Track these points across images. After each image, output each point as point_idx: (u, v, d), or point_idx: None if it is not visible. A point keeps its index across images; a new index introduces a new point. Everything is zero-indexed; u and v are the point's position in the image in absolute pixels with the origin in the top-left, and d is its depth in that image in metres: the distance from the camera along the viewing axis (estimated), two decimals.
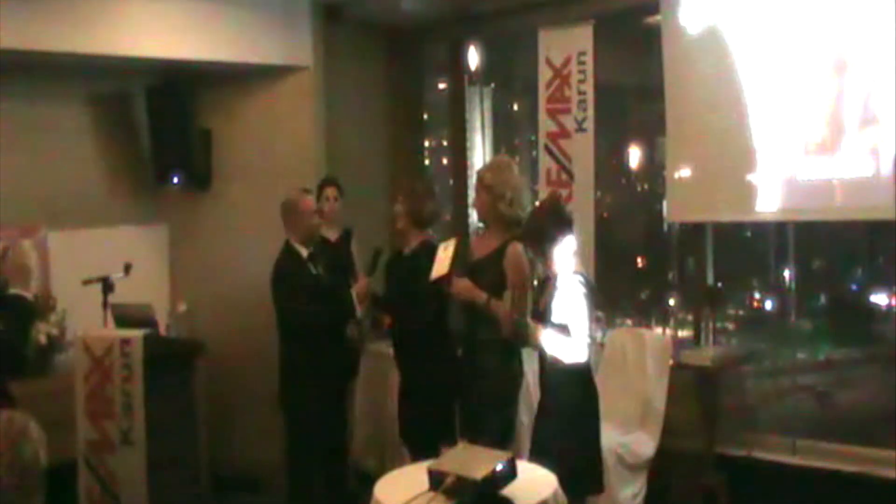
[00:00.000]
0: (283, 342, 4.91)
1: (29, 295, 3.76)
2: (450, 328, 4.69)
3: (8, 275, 3.81)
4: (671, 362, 5.10)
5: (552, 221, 3.97)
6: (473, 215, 6.42)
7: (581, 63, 5.46)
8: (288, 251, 4.88)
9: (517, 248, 4.24)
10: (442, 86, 6.76)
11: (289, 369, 4.92)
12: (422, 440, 4.59)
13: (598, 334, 5.73)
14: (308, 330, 4.80)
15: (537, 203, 4.63)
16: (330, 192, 5.46)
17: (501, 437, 4.13)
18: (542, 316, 3.94)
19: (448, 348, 4.68)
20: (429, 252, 4.51)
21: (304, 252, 4.90)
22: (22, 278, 3.80)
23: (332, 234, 5.42)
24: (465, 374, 4.42)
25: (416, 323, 4.63)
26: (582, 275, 3.92)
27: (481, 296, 4.21)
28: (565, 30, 5.54)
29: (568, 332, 3.79)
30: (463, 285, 4.29)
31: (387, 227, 6.09)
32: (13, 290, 3.74)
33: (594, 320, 4.05)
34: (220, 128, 6.09)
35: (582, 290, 3.84)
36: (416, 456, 4.61)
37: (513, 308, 4.03)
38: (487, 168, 4.59)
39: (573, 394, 3.93)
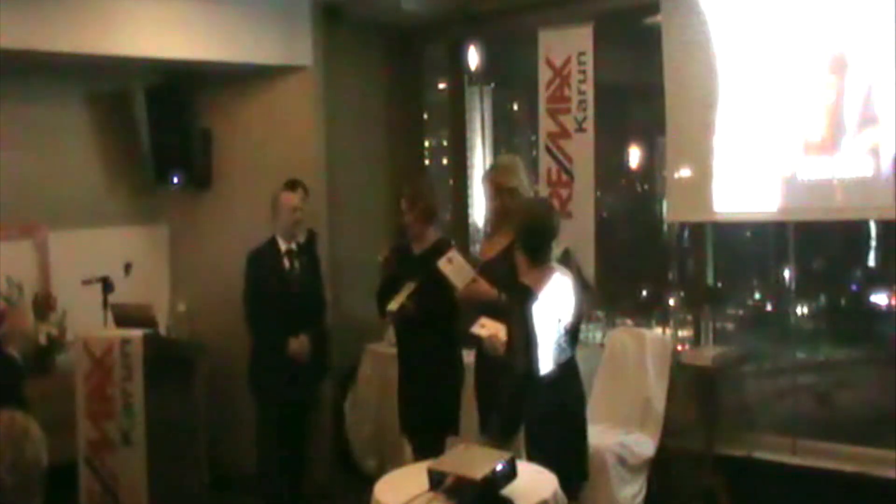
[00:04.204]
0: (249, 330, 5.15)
1: (20, 359, 3.85)
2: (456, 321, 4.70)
3: (5, 336, 3.90)
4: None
5: (524, 222, 3.97)
6: (473, 215, 6.43)
7: (581, 63, 5.45)
8: (269, 241, 5.15)
9: None
10: (442, 86, 6.75)
11: (254, 357, 5.14)
12: (425, 432, 4.60)
13: (594, 334, 5.75)
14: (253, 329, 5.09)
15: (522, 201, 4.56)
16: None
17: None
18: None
19: (452, 339, 4.71)
20: (444, 252, 4.55)
21: (284, 246, 5.13)
22: (18, 340, 3.91)
23: (300, 236, 5.47)
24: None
25: (441, 321, 4.62)
26: (531, 290, 3.85)
27: (493, 293, 4.20)
28: (565, 30, 5.54)
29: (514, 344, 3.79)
30: (476, 287, 4.28)
31: (387, 226, 6.11)
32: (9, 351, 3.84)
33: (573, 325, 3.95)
34: (220, 128, 6.10)
35: (526, 306, 3.82)
36: (419, 448, 4.63)
37: None
38: (501, 171, 4.55)
39: (553, 393, 3.90)
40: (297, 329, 5.05)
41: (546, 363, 3.77)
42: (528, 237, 3.91)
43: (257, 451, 5.14)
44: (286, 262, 5.13)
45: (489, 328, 4.19)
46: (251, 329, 5.10)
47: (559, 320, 3.82)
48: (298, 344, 5.03)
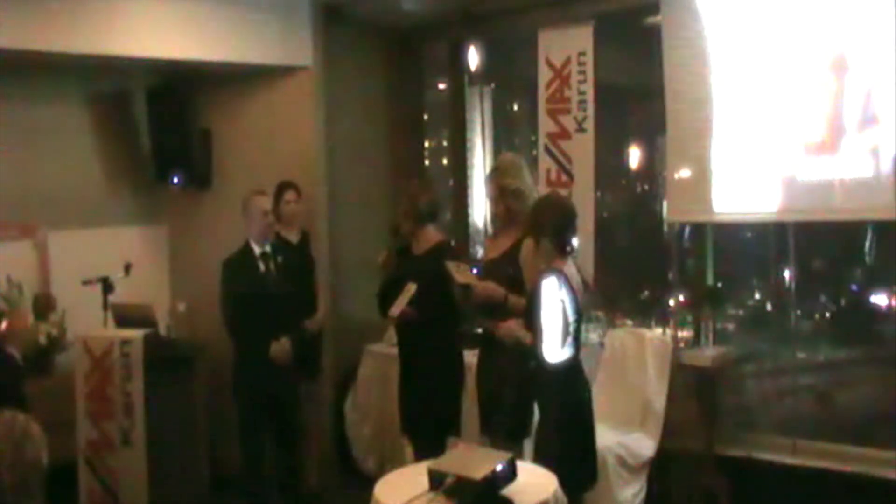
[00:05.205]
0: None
1: (20, 359, 3.87)
2: (456, 322, 4.70)
3: (5, 336, 3.94)
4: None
5: (554, 215, 3.96)
6: (473, 215, 6.43)
7: (581, 63, 5.45)
8: (243, 246, 5.06)
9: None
10: (442, 86, 6.75)
11: (237, 361, 5.03)
12: (425, 432, 4.60)
13: (594, 334, 5.74)
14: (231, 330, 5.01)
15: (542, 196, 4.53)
16: (289, 195, 5.55)
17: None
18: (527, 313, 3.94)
19: (453, 340, 4.70)
20: (444, 254, 4.53)
21: (258, 249, 5.04)
22: (18, 340, 3.94)
23: (293, 237, 5.52)
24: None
25: (442, 321, 4.61)
26: (562, 274, 3.87)
27: (500, 292, 4.20)
28: (565, 30, 5.53)
29: (543, 332, 3.78)
30: (483, 286, 4.28)
31: (387, 226, 6.10)
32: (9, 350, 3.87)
33: (577, 320, 3.95)
34: (220, 128, 6.10)
35: (561, 289, 3.81)
36: (419, 449, 4.62)
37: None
38: (505, 172, 4.47)
39: (562, 391, 3.90)
40: (279, 331, 4.97)
41: (565, 353, 3.78)
42: (559, 228, 3.91)
43: (242, 453, 5.08)
44: (261, 266, 5.04)
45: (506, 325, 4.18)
46: (231, 335, 5.02)
47: (574, 311, 3.84)
48: (279, 347, 4.96)
